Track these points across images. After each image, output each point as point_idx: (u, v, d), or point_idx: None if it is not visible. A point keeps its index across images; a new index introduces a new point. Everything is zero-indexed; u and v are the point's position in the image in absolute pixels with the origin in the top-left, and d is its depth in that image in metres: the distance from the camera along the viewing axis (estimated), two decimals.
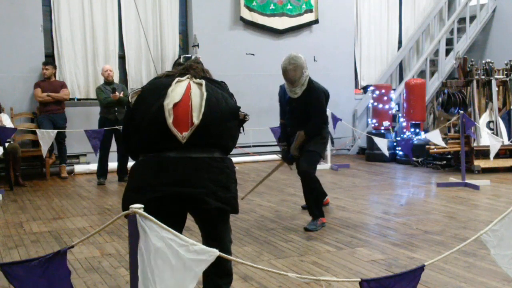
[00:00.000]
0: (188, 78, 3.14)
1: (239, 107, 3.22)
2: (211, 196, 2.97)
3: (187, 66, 3.24)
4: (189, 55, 3.25)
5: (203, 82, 3.12)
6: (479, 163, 8.52)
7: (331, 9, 11.23)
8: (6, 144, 7.71)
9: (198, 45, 9.75)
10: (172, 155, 2.96)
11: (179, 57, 3.87)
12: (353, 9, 11.78)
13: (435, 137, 7.70)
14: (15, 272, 2.18)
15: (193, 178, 2.95)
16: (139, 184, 2.98)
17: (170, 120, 2.95)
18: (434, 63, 12.21)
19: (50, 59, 9.15)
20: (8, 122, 8.07)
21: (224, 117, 3.09)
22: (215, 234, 3.17)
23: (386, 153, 8.44)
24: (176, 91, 3.03)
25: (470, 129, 7.63)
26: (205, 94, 3.04)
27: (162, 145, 2.99)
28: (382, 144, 8.33)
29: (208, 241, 3.15)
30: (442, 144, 7.78)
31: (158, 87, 3.10)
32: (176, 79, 3.10)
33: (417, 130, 10.07)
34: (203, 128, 2.98)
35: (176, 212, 3.10)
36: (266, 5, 10.68)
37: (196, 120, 2.98)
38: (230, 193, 3.08)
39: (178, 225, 3.11)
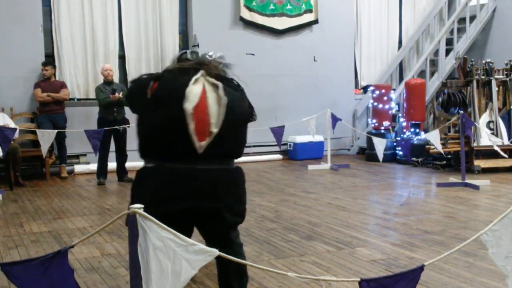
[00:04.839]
0: (202, 75, 2.89)
1: (253, 110, 3.04)
2: (227, 211, 2.90)
3: (200, 61, 3.01)
4: (196, 51, 3.17)
5: (220, 85, 2.88)
6: (479, 163, 8.52)
7: (331, 9, 11.22)
8: None
9: (198, 45, 9.75)
10: (187, 166, 2.79)
11: (185, 52, 3.65)
12: (353, 9, 11.77)
13: (434, 138, 7.68)
14: (16, 271, 2.18)
15: (210, 192, 2.83)
16: (153, 197, 2.77)
17: (192, 126, 2.76)
18: (434, 63, 12.20)
19: (50, 59, 9.14)
20: (10, 123, 8.05)
21: (240, 123, 2.97)
22: (228, 243, 3.07)
23: (380, 156, 8.30)
24: (193, 93, 2.80)
25: (469, 129, 7.60)
26: (223, 99, 2.83)
27: (175, 153, 2.81)
28: (380, 145, 8.29)
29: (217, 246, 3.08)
30: (440, 147, 7.73)
31: (175, 88, 2.84)
32: (193, 78, 2.85)
33: (417, 130, 10.06)
34: (220, 138, 2.81)
35: (189, 224, 3.01)
36: (265, 5, 10.67)
37: (214, 128, 2.80)
38: (243, 205, 3.04)
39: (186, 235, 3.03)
